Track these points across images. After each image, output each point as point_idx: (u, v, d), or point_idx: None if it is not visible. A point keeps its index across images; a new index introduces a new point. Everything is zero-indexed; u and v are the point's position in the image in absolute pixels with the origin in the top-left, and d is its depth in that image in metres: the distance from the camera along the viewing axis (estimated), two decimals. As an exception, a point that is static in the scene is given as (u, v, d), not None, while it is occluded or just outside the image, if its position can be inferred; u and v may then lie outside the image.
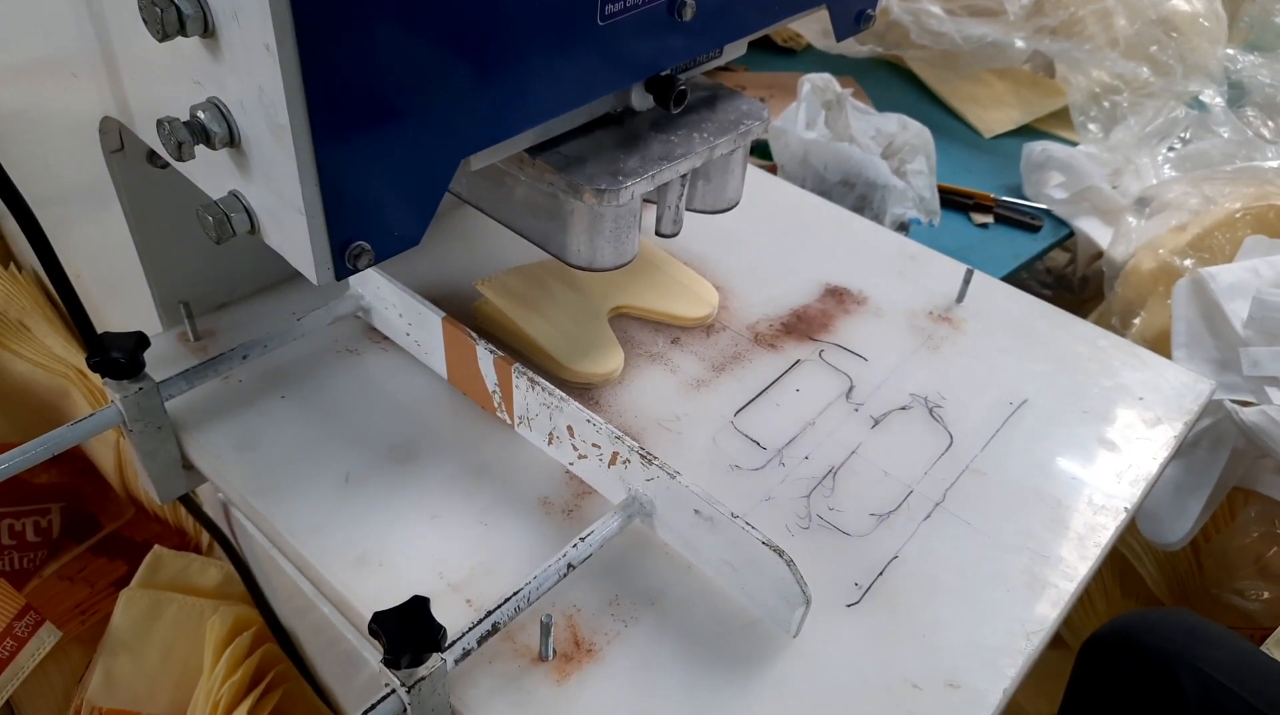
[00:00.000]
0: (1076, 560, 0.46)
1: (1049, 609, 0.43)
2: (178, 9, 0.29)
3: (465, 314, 0.55)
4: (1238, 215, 0.82)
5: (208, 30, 0.30)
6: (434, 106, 0.33)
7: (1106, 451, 0.52)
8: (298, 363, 0.52)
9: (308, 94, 0.29)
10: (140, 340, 0.43)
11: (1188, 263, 0.80)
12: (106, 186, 0.48)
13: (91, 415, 0.44)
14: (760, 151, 0.93)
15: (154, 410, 0.45)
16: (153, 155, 0.47)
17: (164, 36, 0.29)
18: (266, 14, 0.27)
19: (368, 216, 0.34)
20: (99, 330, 0.50)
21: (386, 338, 0.54)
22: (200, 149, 0.33)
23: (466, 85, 0.33)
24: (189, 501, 0.54)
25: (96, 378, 0.63)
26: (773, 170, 0.90)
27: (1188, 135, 0.97)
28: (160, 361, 0.51)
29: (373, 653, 0.46)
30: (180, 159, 0.32)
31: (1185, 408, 0.55)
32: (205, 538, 0.66)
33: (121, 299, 0.57)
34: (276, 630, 0.59)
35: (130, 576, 0.61)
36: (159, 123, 0.32)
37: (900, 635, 0.42)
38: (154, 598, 0.59)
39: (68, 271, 0.49)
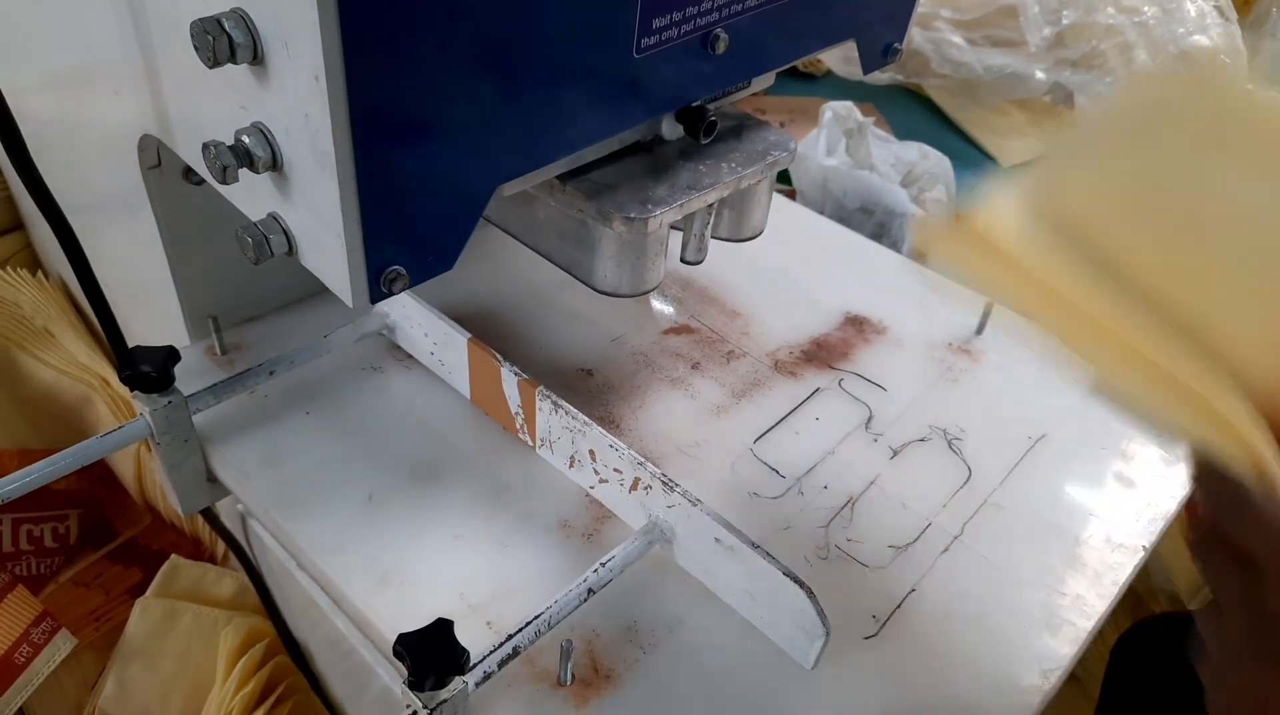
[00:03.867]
0: (1094, 598, 0.46)
1: (1067, 647, 0.43)
2: (229, 37, 0.30)
3: (489, 334, 0.56)
4: (1256, 252, 0.82)
5: (257, 58, 0.30)
6: (475, 137, 0.33)
7: (1125, 489, 0.52)
8: (322, 379, 0.53)
9: (353, 123, 0.29)
10: (170, 354, 0.44)
11: (1205, 298, 0.80)
12: (141, 200, 0.48)
13: (120, 427, 0.45)
14: (780, 177, 0.94)
15: (182, 424, 0.46)
16: (188, 172, 0.48)
17: (214, 63, 0.30)
18: (317, 45, 0.28)
19: (404, 242, 0.34)
20: (127, 340, 0.51)
21: (410, 356, 0.55)
22: (242, 172, 0.33)
23: (507, 117, 0.34)
24: (207, 512, 0.55)
25: (120, 386, 0.64)
26: (791, 195, 0.91)
27: (1206, 170, 0.97)
28: (187, 374, 0.51)
29: (387, 668, 0.46)
30: (224, 182, 0.33)
31: (1204, 446, 0.55)
32: (221, 547, 0.67)
33: (149, 310, 0.58)
34: (289, 642, 0.60)
35: (145, 584, 0.61)
36: (204, 146, 0.32)
37: (917, 669, 0.42)
38: (169, 607, 0.60)
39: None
